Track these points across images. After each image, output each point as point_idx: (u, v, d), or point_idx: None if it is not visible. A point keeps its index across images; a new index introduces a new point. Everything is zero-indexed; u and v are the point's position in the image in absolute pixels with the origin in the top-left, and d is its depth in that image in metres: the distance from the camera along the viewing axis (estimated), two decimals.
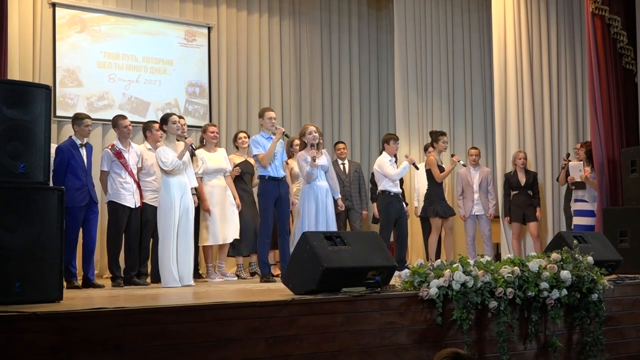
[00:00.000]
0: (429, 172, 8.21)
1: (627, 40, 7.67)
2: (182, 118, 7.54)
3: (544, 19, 8.96)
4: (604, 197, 7.50)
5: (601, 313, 4.95)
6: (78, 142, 6.54)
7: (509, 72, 8.90)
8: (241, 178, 7.57)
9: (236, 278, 7.34)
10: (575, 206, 8.11)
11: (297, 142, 7.62)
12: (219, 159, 7.31)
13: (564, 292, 4.78)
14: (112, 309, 3.67)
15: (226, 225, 7.18)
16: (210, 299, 4.27)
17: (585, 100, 8.62)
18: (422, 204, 8.64)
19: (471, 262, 4.65)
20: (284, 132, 6.71)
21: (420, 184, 8.95)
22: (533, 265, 4.75)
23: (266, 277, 6.55)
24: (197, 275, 7.52)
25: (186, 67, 9.58)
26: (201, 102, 9.65)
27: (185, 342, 3.70)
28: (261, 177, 6.73)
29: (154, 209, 6.52)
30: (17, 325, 3.40)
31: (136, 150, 6.88)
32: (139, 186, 6.77)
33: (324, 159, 6.91)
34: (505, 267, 4.67)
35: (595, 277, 4.91)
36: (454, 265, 4.53)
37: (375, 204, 8.69)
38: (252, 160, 7.48)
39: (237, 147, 7.88)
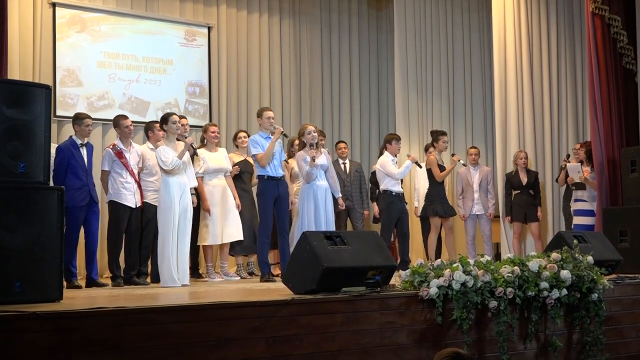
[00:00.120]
0: (429, 172, 8.22)
1: (627, 40, 7.67)
2: (184, 118, 7.56)
3: (544, 19, 8.97)
4: (604, 197, 7.50)
5: (601, 313, 4.95)
6: (78, 141, 6.54)
7: (509, 72, 8.90)
8: (240, 177, 7.58)
9: (239, 278, 7.35)
10: (575, 206, 8.11)
11: (297, 142, 7.62)
12: (220, 158, 7.31)
13: (564, 291, 4.78)
14: (111, 308, 3.67)
15: (227, 225, 7.18)
16: (210, 299, 4.26)
17: (585, 100, 8.62)
18: (421, 203, 8.65)
19: (471, 261, 4.65)
20: (282, 132, 6.71)
21: (420, 184, 8.96)
22: (533, 265, 4.75)
23: (266, 276, 6.56)
24: (197, 275, 7.53)
25: (186, 67, 9.58)
26: (201, 101, 9.65)
27: (185, 341, 3.70)
28: (260, 177, 6.73)
29: (155, 209, 6.51)
30: (16, 324, 3.40)
31: (137, 150, 6.88)
32: (139, 186, 6.77)
33: (323, 159, 6.91)
34: (505, 267, 4.67)
35: (595, 277, 4.91)
36: (454, 265, 4.53)
37: (375, 204, 8.70)
38: (251, 160, 7.48)
39: (237, 147, 7.89)
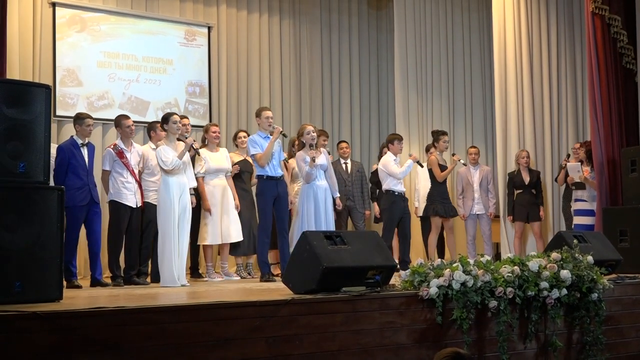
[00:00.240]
0: (430, 172, 8.23)
1: (627, 40, 7.67)
2: (186, 118, 7.57)
3: (544, 19, 8.97)
4: (604, 197, 7.50)
5: (601, 312, 4.95)
6: (79, 141, 6.55)
7: (509, 72, 8.91)
8: (240, 177, 7.58)
9: (239, 278, 7.35)
10: (575, 206, 8.12)
11: (297, 142, 7.63)
12: (221, 158, 7.33)
13: (564, 291, 4.78)
14: (111, 308, 3.67)
15: (227, 225, 7.19)
16: (210, 299, 4.26)
17: (585, 100, 8.62)
18: (422, 203, 8.67)
19: (471, 261, 4.65)
20: (281, 132, 6.71)
21: (420, 184, 8.97)
22: (533, 264, 4.75)
23: (266, 276, 6.56)
24: (197, 274, 7.53)
25: (186, 67, 9.58)
26: (201, 101, 9.65)
27: (185, 341, 3.70)
28: (259, 177, 6.73)
29: (156, 209, 6.51)
30: (16, 324, 3.40)
31: (138, 150, 6.89)
32: (140, 186, 6.78)
33: (323, 159, 6.92)
34: (505, 267, 4.67)
35: (595, 277, 4.91)
36: (454, 265, 4.53)
37: (375, 203, 8.70)
38: (251, 159, 7.48)
39: (236, 146, 7.89)
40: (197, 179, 6.99)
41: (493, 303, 4.51)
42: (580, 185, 8.04)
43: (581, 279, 4.85)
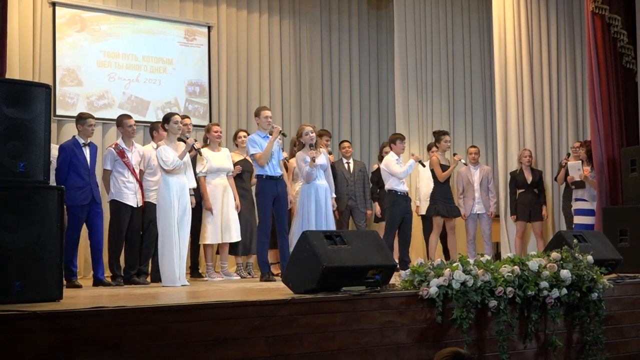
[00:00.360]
0: (432, 172, 8.25)
1: (627, 40, 7.67)
2: (188, 118, 7.56)
3: (544, 19, 8.97)
4: (604, 196, 7.51)
5: (601, 312, 4.95)
6: (81, 141, 6.56)
7: (509, 72, 8.91)
8: (240, 177, 7.58)
9: (239, 277, 7.35)
10: (575, 205, 8.12)
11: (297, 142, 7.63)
12: (223, 158, 7.34)
13: (564, 291, 4.78)
14: (111, 308, 3.68)
15: (227, 225, 7.19)
16: (210, 298, 4.26)
17: (585, 100, 8.62)
18: (423, 203, 8.70)
19: (471, 261, 4.65)
20: (280, 131, 6.72)
21: (421, 184, 8.98)
22: (533, 264, 4.75)
23: (266, 276, 6.56)
24: (197, 274, 7.53)
25: (186, 67, 9.58)
26: (201, 101, 9.65)
27: (185, 341, 3.70)
28: (259, 177, 6.73)
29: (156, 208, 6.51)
30: (16, 324, 3.40)
31: (139, 150, 6.90)
32: (141, 186, 6.78)
33: (323, 159, 6.92)
34: (505, 266, 4.67)
35: (595, 276, 4.91)
36: (454, 265, 4.53)
37: (376, 203, 8.70)
38: (251, 159, 7.49)
39: (236, 146, 7.90)
40: (199, 178, 7.02)
41: (493, 303, 4.51)
42: (580, 185, 8.04)
43: (581, 279, 4.85)
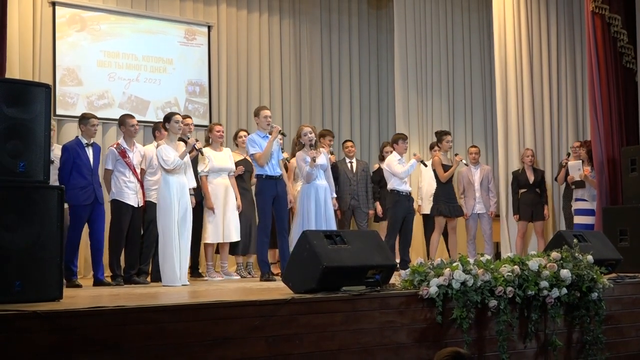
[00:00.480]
0: (435, 172, 8.26)
1: (627, 39, 7.67)
2: (189, 118, 7.56)
3: (544, 19, 8.97)
4: (604, 196, 7.51)
5: (601, 312, 4.95)
6: (84, 141, 6.57)
7: (509, 72, 8.91)
8: (241, 176, 7.58)
9: (239, 277, 7.36)
10: (575, 205, 8.12)
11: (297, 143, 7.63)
12: (225, 158, 7.35)
13: (564, 291, 4.78)
14: (111, 307, 3.67)
15: (228, 224, 7.20)
16: (210, 298, 4.26)
17: (585, 99, 8.62)
18: (425, 202, 8.73)
19: (471, 261, 4.65)
20: (280, 131, 6.72)
21: (423, 183, 8.99)
22: (533, 264, 4.75)
23: (266, 276, 6.56)
24: (197, 274, 7.53)
25: (186, 66, 9.58)
26: (201, 101, 9.65)
27: (185, 341, 3.70)
28: (258, 176, 6.73)
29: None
30: (16, 324, 3.40)
31: (140, 150, 6.90)
32: (142, 186, 6.79)
33: (323, 158, 6.92)
34: (505, 266, 4.67)
35: (595, 276, 4.91)
36: (454, 264, 4.53)
37: (377, 203, 8.70)
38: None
39: (237, 145, 7.90)
40: (200, 177, 7.02)
41: (493, 302, 4.51)
42: (580, 185, 8.04)
43: (581, 279, 4.85)
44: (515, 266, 4.71)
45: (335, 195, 7.26)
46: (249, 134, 7.67)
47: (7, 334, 3.35)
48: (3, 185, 4.18)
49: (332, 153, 8.38)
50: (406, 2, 10.00)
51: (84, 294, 5.28)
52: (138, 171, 6.77)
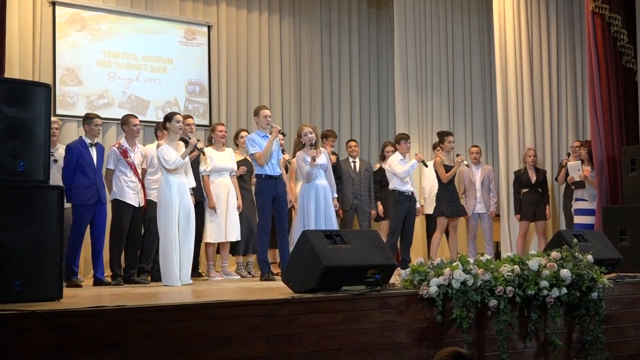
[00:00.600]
0: (437, 173, 8.27)
1: (627, 39, 7.67)
2: (191, 118, 7.56)
3: (544, 19, 8.97)
4: (604, 196, 7.51)
5: (601, 311, 4.95)
6: (88, 141, 6.59)
7: (509, 72, 8.91)
8: (241, 176, 7.59)
9: (239, 277, 7.36)
10: (575, 205, 8.13)
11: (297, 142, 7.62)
12: (226, 158, 7.36)
13: (564, 290, 4.78)
14: (111, 307, 3.67)
15: (229, 224, 7.20)
16: (210, 298, 4.26)
17: (585, 99, 8.62)
18: (427, 202, 8.76)
19: (471, 260, 4.66)
20: (280, 130, 6.72)
21: (425, 183, 9.00)
22: (533, 263, 4.76)
23: (266, 275, 6.56)
24: (197, 274, 7.53)
25: (186, 66, 9.58)
26: (201, 100, 9.65)
27: (185, 340, 3.70)
28: (258, 176, 6.74)
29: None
30: (16, 323, 3.40)
31: (141, 150, 6.91)
32: (143, 186, 6.79)
33: (323, 158, 6.92)
34: (505, 266, 4.67)
35: (595, 276, 4.92)
36: (454, 264, 4.53)
37: (379, 202, 8.71)
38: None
39: (237, 145, 7.91)
40: (202, 177, 7.03)
41: (493, 302, 4.51)
42: (580, 185, 8.04)
43: (581, 278, 4.85)
44: (515, 266, 4.71)
45: (336, 195, 7.25)
46: (249, 134, 7.68)
47: (7, 333, 3.35)
48: (3, 185, 4.18)
49: (334, 153, 8.38)
50: (406, 2, 9.99)
51: (84, 294, 5.28)
52: (139, 171, 6.78)
